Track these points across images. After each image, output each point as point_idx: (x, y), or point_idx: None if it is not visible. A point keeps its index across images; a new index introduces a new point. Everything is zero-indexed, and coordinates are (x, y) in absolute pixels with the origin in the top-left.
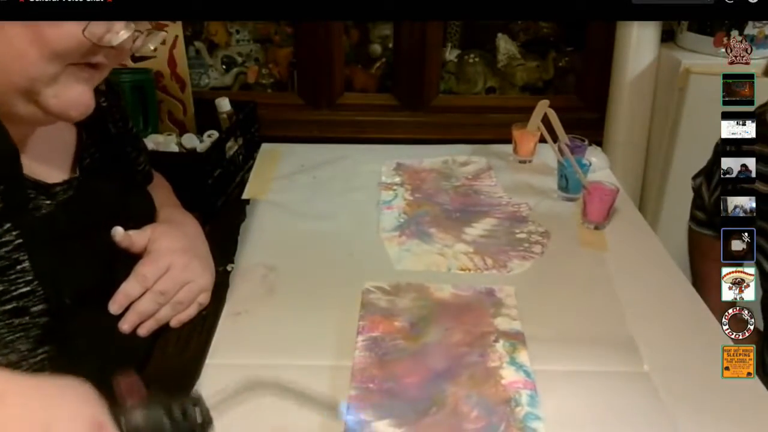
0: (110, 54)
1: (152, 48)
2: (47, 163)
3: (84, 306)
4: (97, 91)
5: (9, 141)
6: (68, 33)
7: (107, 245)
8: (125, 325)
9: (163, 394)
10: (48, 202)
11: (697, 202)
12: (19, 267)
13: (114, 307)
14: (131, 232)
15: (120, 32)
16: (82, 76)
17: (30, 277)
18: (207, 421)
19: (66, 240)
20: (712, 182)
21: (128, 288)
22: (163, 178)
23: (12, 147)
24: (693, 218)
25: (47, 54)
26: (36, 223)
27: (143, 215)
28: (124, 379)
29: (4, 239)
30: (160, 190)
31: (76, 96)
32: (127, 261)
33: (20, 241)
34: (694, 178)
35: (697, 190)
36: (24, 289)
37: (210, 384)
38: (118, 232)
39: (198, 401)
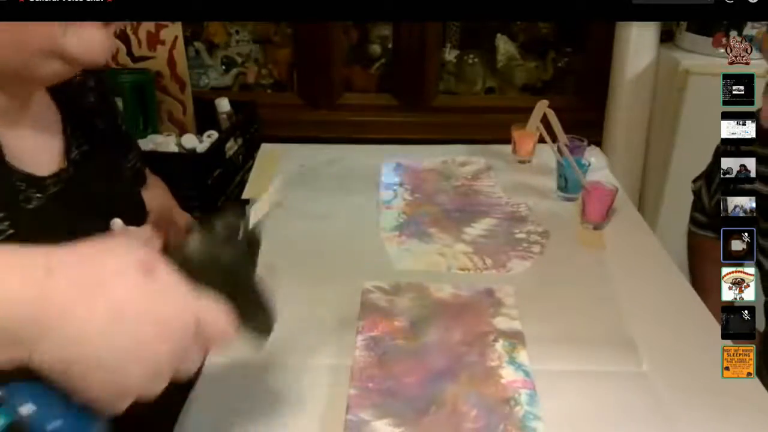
0: None
1: None
2: (36, 155)
3: None
4: (85, 88)
5: None
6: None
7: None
8: None
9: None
10: (38, 195)
11: (697, 205)
12: None
13: None
14: (131, 228)
15: None
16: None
17: None
18: (257, 235)
19: (56, 234)
20: (712, 185)
21: None
22: (160, 179)
23: None
24: (693, 221)
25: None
26: (27, 215)
27: (132, 212)
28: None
29: None
30: (157, 192)
31: (96, 36)
32: None
33: (12, 231)
34: (694, 181)
35: (697, 193)
36: None
37: (210, 383)
38: (117, 223)
39: (242, 216)
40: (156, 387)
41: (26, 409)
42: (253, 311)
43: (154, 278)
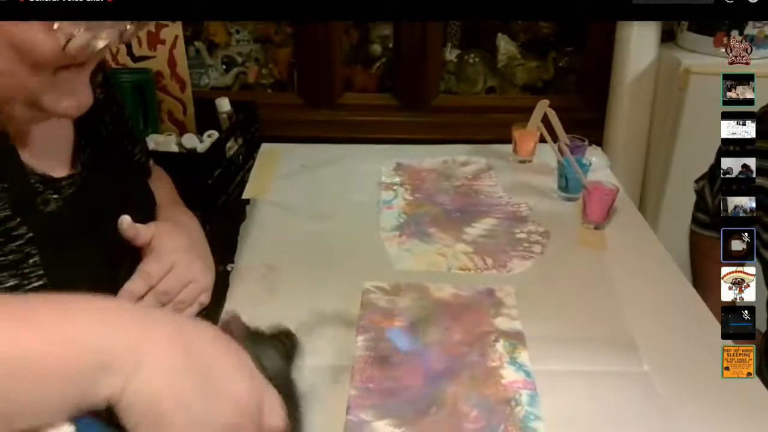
0: (94, 54)
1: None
2: (50, 157)
3: None
4: (94, 84)
5: (5, 138)
6: (50, 49)
7: (110, 241)
8: None
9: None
10: (55, 196)
11: (700, 205)
12: (31, 261)
13: None
14: (139, 225)
15: (100, 40)
16: (75, 77)
17: (41, 272)
18: (299, 349)
19: (73, 236)
20: (714, 186)
21: (133, 286)
22: (164, 171)
23: (8, 144)
24: (695, 220)
25: (33, 67)
26: (45, 219)
27: (144, 209)
28: (229, 319)
29: (16, 233)
30: (161, 185)
31: (75, 96)
32: (129, 258)
33: (31, 235)
34: (697, 181)
35: (699, 193)
36: (37, 284)
37: None
38: (125, 220)
39: (290, 331)
40: None
41: None
42: (294, 415)
43: (236, 352)
